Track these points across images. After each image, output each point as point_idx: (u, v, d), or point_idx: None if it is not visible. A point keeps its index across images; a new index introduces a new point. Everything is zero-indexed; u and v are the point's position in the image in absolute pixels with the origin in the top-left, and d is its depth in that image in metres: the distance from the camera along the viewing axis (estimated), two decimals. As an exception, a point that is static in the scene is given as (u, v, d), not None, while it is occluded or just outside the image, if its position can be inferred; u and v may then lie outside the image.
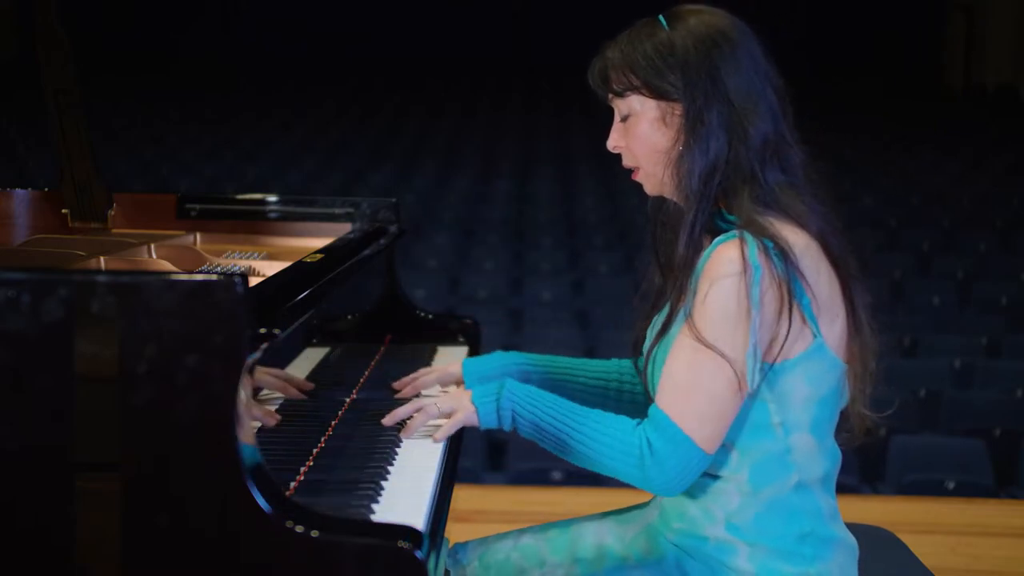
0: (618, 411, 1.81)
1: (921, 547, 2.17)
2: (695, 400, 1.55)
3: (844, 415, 1.71)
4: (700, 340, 1.54)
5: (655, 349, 1.67)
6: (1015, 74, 14.92)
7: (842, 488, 1.79)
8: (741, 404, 1.58)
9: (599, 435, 1.60)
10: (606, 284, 7.48)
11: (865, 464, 4.78)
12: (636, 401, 1.92)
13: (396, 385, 2.02)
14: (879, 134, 12.28)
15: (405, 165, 10.87)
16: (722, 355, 1.53)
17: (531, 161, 11.14)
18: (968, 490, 4.44)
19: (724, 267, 1.54)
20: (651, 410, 1.59)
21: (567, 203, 9.64)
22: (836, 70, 15.74)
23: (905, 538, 2.09)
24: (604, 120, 1.74)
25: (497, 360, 1.96)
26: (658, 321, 1.70)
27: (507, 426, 1.67)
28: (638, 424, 1.61)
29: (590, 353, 5.35)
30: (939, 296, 7.28)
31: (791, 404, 1.60)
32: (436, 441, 1.73)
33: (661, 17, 1.65)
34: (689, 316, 1.56)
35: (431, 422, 1.76)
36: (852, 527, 1.75)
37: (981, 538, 3.67)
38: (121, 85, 13.73)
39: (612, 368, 1.95)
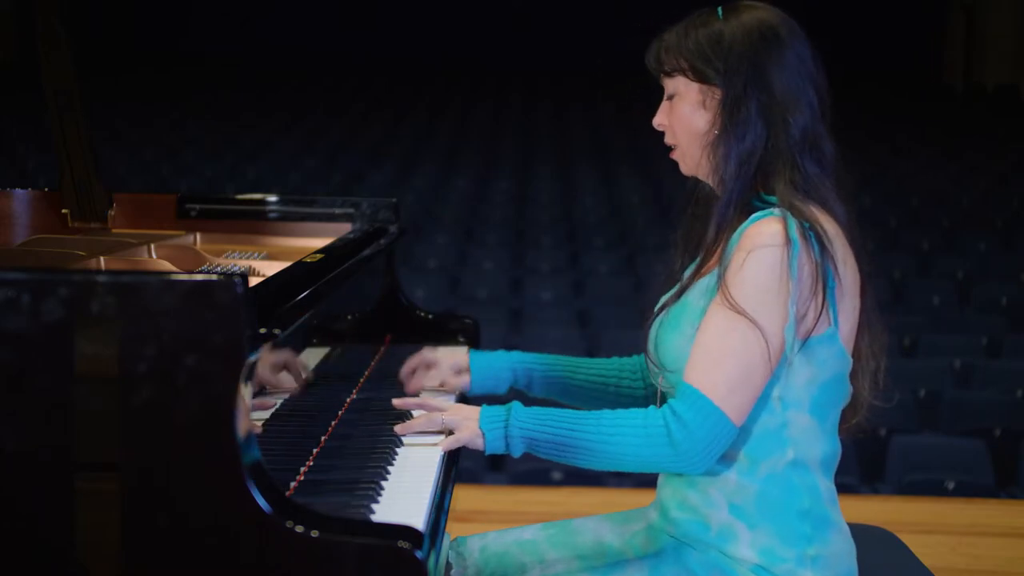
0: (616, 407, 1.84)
1: (921, 547, 2.17)
2: (726, 368, 1.57)
3: (847, 412, 1.73)
4: (735, 308, 1.57)
5: (660, 318, 1.71)
6: (1015, 74, 14.90)
7: (842, 488, 1.79)
8: (769, 377, 1.60)
9: (619, 428, 1.61)
10: (606, 284, 7.48)
11: (865, 464, 4.78)
12: (635, 398, 1.95)
13: (402, 374, 2.04)
14: (879, 134, 12.26)
15: (405, 165, 10.86)
16: (756, 324, 1.56)
17: (531, 161, 11.12)
18: (968, 490, 4.44)
19: (765, 239, 1.58)
20: (679, 388, 1.61)
21: (567, 203, 9.63)
22: (835, 70, 15.72)
23: (905, 538, 2.09)
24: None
25: (503, 358, 2.00)
26: (666, 297, 1.73)
27: (516, 453, 1.66)
28: (657, 407, 1.62)
29: (590, 353, 5.35)
30: (939, 296, 7.27)
31: (792, 382, 1.62)
32: (441, 450, 1.71)
33: (719, 9, 1.72)
34: (723, 286, 1.59)
35: (430, 438, 1.75)
36: (852, 527, 1.75)
37: (981, 538, 3.67)
38: (121, 85, 13.72)
39: (612, 367, 1.98)
